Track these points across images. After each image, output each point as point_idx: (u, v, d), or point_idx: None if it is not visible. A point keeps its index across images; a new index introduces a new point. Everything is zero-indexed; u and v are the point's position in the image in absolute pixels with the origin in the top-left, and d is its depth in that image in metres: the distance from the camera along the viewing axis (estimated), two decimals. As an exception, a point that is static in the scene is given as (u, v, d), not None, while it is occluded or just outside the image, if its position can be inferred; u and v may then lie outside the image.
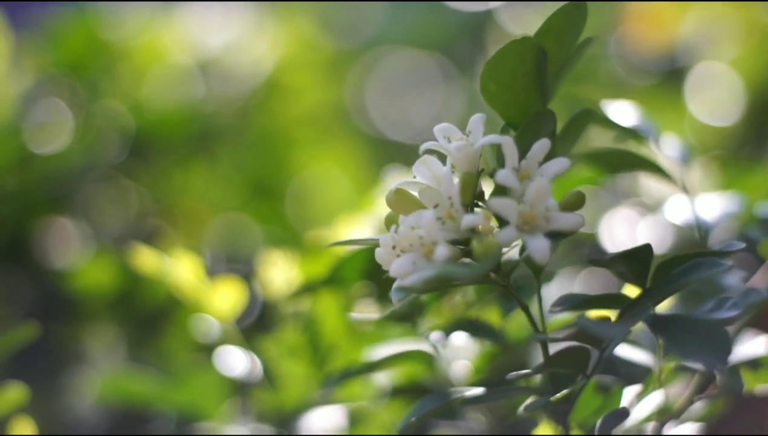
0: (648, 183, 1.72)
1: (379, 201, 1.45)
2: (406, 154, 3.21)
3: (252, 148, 2.65)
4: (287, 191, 2.69)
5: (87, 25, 2.56)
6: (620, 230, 1.58)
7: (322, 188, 2.76)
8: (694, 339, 0.87)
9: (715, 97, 2.49)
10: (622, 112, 1.22)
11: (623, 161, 1.21)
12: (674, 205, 1.30)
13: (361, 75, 3.36)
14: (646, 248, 0.94)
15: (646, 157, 1.20)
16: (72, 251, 2.30)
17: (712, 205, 1.26)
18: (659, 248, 1.46)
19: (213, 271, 2.36)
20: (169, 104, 2.54)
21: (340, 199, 2.74)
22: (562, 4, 0.96)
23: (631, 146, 1.24)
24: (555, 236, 0.91)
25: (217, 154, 2.63)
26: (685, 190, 1.22)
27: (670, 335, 0.88)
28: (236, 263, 2.42)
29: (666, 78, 2.67)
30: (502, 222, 0.91)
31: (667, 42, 2.74)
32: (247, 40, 2.76)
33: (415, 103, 3.43)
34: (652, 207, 1.61)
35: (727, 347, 0.86)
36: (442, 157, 0.97)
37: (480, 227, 0.91)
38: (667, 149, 1.23)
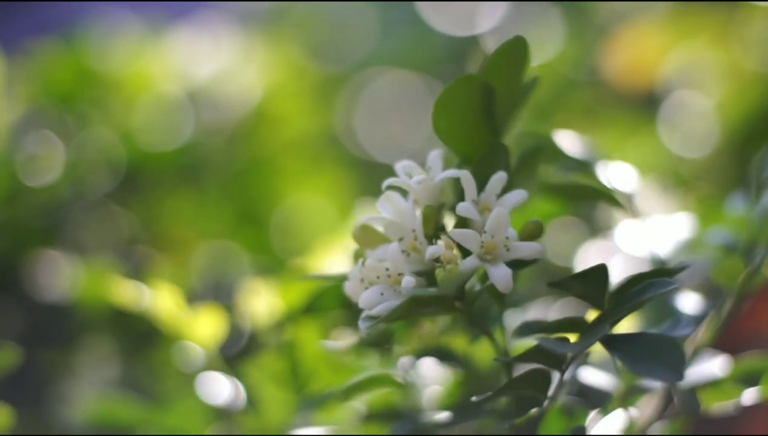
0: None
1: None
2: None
3: (240, 177, 2.68)
4: (272, 219, 2.72)
5: (77, 55, 2.60)
6: (596, 262, 1.59)
7: (307, 215, 2.79)
8: (649, 356, 0.90)
9: (692, 131, 2.53)
10: (571, 143, 1.25)
11: (577, 192, 1.24)
12: (627, 235, 1.33)
13: (350, 97, 3.40)
14: (601, 269, 0.97)
15: (597, 187, 1.23)
16: (63, 280, 2.33)
17: (664, 232, 1.29)
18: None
19: (202, 297, 2.39)
20: (159, 134, 2.57)
21: (326, 225, 2.78)
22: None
23: (586, 177, 1.27)
24: (516, 265, 0.95)
25: (205, 183, 2.66)
26: (636, 217, 1.25)
27: (625, 352, 0.92)
28: (224, 290, 2.45)
29: (645, 111, 2.71)
30: (465, 252, 0.95)
31: (648, 79, 2.78)
32: (236, 69, 2.80)
33: (404, 125, 3.47)
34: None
35: (680, 361, 0.90)
36: (406, 193, 1.00)
37: (443, 256, 0.94)
38: (614, 178, 1.26)
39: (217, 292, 2.45)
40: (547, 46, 3.03)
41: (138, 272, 2.36)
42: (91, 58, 2.61)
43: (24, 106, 2.57)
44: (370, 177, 3.07)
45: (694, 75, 2.69)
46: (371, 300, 0.94)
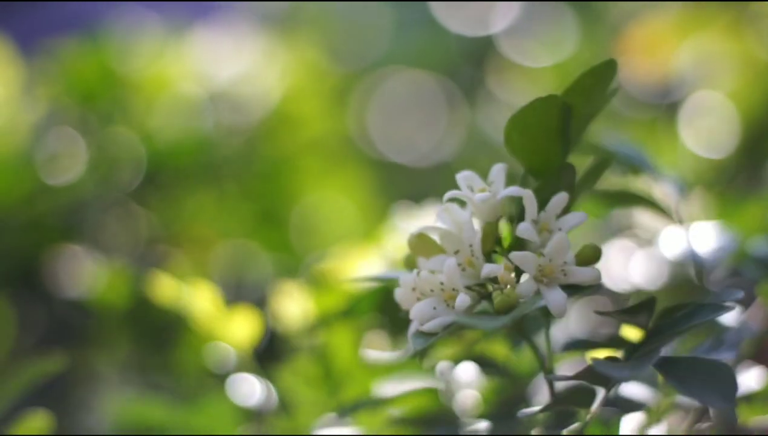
0: (642, 216, 1.75)
1: (388, 237, 1.50)
2: (409, 177, 3.27)
3: (259, 177, 2.70)
4: (291, 219, 2.73)
5: (98, 54, 2.60)
6: (617, 263, 1.61)
7: (326, 214, 2.81)
8: (702, 380, 0.91)
9: (709, 129, 2.53)
10: (622, 146, 1.25)
11: (624, 198, 1.25)
12: (669, 241, 1.34)
13: (365, 97, 3.42)
14: (650, 302, 0.99)
15: (646, 195, 1.24)
16: (83, 278, 2.34)
17: (707, 241, 1.30)
18: (655, 283, 1.51)
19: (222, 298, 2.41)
20: (179, 134, 2.59)
21: (345, 224, 2.79)
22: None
23: (630, 182, 1.28)
24: (572, 289, 0.96)
25: (225, 183, 2.67)
26: (681, 225, 1.26)
27: (679, 376, 0.92)
28: (244, 290, 2.47)
29: (662, 109, 2.71)
30: (521, 272, 0.96)
31: (663, 73, 2.78)
32: (255, 70, 2.81)
33: (418, 124, 3.49)
34: (647, 240, 1.64)
35: (733, 387, 0.90)
36: (464, 204, 1.00)
37: (501, 277, 0.94)
38: (664, 184, 1.27)
39: (238, 292, 2.46)
40: (562, 46, 3.04)
41: (158, 271, 2.39)
42: (113, 58, 2.62)
43: (46, 105, 2.59)
44: (387, 176, 3.09)
45: (709, 68, 2.69)
46: (424, 313, 0.95)
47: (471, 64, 3.39)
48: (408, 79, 3.51)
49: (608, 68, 0.99)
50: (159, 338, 2.26)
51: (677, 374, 0.92)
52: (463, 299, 0.93)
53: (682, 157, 2.45)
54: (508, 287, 0.94)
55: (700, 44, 2.75)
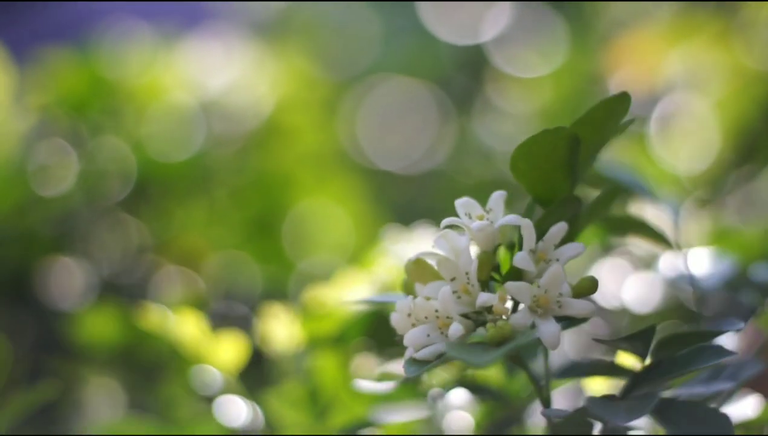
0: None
1: (378, 261, 1.50)
2: (400, 185, 3.28)
3: (251, 188, 2.69)
4: (284, 228, 2.73)
5: (89, 64, 2.60)
6: (610, 281, 1.61)
7: (318, 223, 2.81)
8: (698, 429, 0.90)
9: (699, 139, 2.53)
10: (618, 171, 1.25)
11: (621, 225, 1.25)
12: (667, 265, 1.34)
13: (357, 105, 3.42)
14: (649, 331, 0.98)
15: (643, 221, 1.24)
16: (74, 291, 2.34)
17: (704, 267, 1.30)
18: (649, 305, 1.51)
19: (212, 309, 2.41)
20: (171, 143, 2.58)
21: (338, 233, 2.80)
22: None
23: (625, 206, 1.28)
24: (566, 321, 0.96)
25: (216, 193, 2.67)
26: (679, 249, 1.26)
27: (674, 422, 0.91)
28: (235, 301, 2.47)
29: (650, 120, 2.71)
30: (516, 302, 0.96)
31: (652, 82, 2.79)
32: (247, 80, 2.80)
33: (409, 132, 3.49)
34: (641, 259, 1.64)
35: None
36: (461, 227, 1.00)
37: (495, 308, 0.94)
38: (660, 207, 1.27)
39: (229, 303, 2.46)
40: (552, 55, 3.05)
41: (147, 283, 2.40)
42: (104, 67, 2.61)
43: (36, 115, 2.58)
44: (378, 185, 3.10)
45: (697, 78, 2.70)
46: (417, 340, 0.94)
47: (461, 72, 3.39)
48: (399, 87, 3.51)
49: (621, 102, 0.99)
50: (149, 366, 2.25)
51: (673, 419, 0.91)
52: (456, 329, 0.92)
53: (671, 169, 2.45)
54: (503, 317, 0.93)
55: (688, 53, 2.75)
